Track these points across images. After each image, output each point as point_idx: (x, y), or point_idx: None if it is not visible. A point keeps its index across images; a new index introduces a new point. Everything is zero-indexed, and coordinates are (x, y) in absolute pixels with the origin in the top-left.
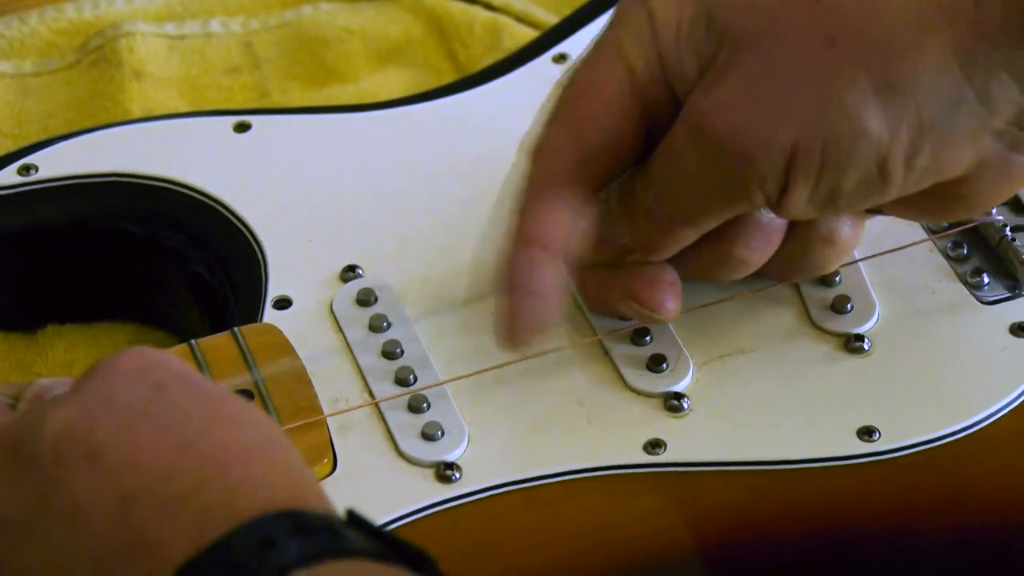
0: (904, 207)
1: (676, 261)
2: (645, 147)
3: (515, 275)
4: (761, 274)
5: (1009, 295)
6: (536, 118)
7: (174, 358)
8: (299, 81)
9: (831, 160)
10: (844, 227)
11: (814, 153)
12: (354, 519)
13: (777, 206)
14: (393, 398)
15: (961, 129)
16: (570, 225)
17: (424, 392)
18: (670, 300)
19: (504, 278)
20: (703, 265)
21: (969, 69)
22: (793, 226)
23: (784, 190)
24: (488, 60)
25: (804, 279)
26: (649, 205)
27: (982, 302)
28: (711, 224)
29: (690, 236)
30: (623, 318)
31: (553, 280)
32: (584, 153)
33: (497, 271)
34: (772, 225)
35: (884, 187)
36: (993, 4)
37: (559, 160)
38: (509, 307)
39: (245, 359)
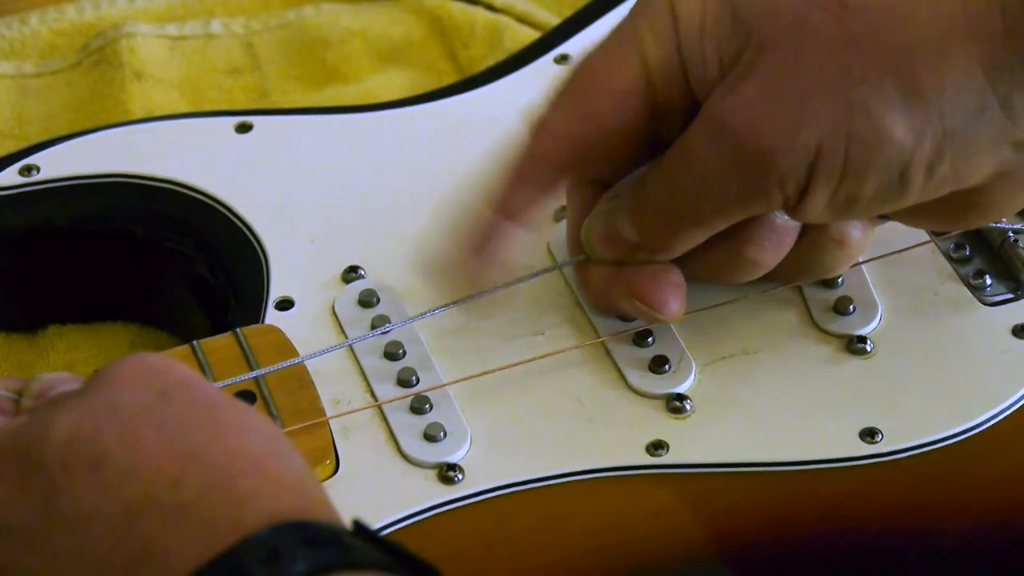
0: (918, 215)
1: (685, 262)
2: (652, 144)
3: (480, 237)
4: (767, 276)
5: (1012, 296)
6: (543, 98)
7: (179, 365)
8: (300, 82)
9: (853, 164)
10: (855, 229)
11: (837, 156)
12: (361, 530)
13: (795, 209)
14: (395, 400)
15: (983, 138)
16: (545, 207)
17: (426, 393)
18: (675, 301)
19: (469, 235)
20: (714, 266)
21: (993, 79)
22: (804, 228)
23: (804, 193)
24: (489, 61)
25: (810, 281)
26: (661, 203)
27: (984, 303)
28: (724, 225)
29: (701, 236)
30: (626, 318)
31: (509, 249)
32: (583, 140)
33: (465, 224)
34: (786, 227)
35: (903, 193)
36: (1019, 16)
37: (555, 143)
38: (464, 262)
39: (247, 360)
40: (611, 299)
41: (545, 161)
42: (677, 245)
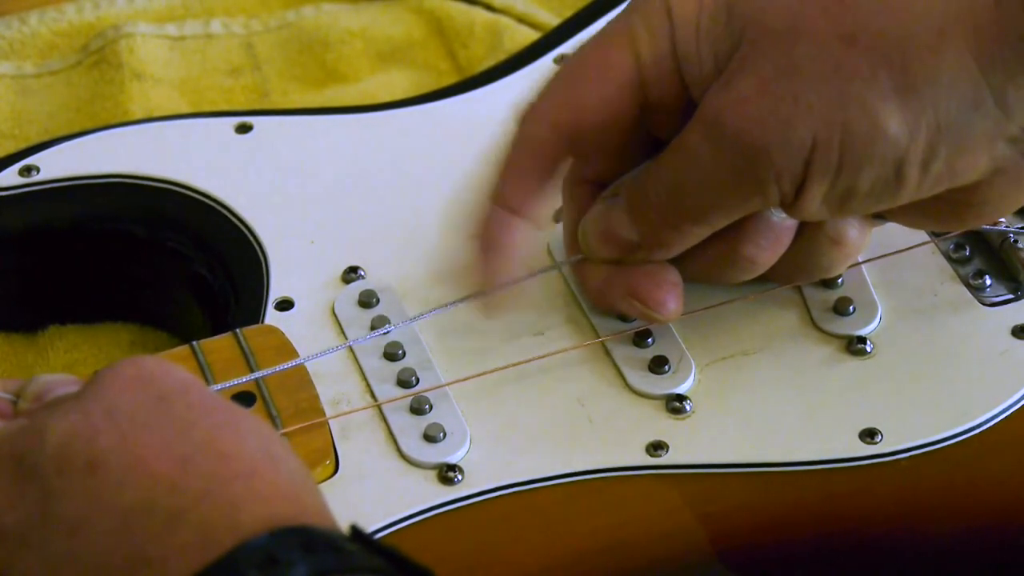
0: (916, 214)
1: (682, 261)
2: (647, 143)
3: (483, 231)
4: (765, 276)
5: (1011, 297)
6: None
7: (177, 368)
8: (300, 82)
9: (848, 159)
10: (851, 229)
11: (832, 151)
12: (358, 535)
13: (791, 205)
14: (395, 400)
15: (977, 133)
16: (543, 193)
17: (426, 394)
18: (672, 300)
19: (473, 230)
20: (711, 265)
21: (988, 72)
22: (801, 227)
23: (800, 189)
24: (489, 61)
25: (808, 281)
26: (660, 201)
27: (984, 304)
28: (722, 222)
29: (700, 234)
30: (624, 318)
31: (515, 240)
32: (570, 129)
33: (469, 221)
34: (782, 225)
35: (899, 189)
36: (1014, 8)
37: (547, 129)
38: (473, 258)
39: (247, 360)
40: (610, 299)
41: (536, 147)
42: (676, 243)
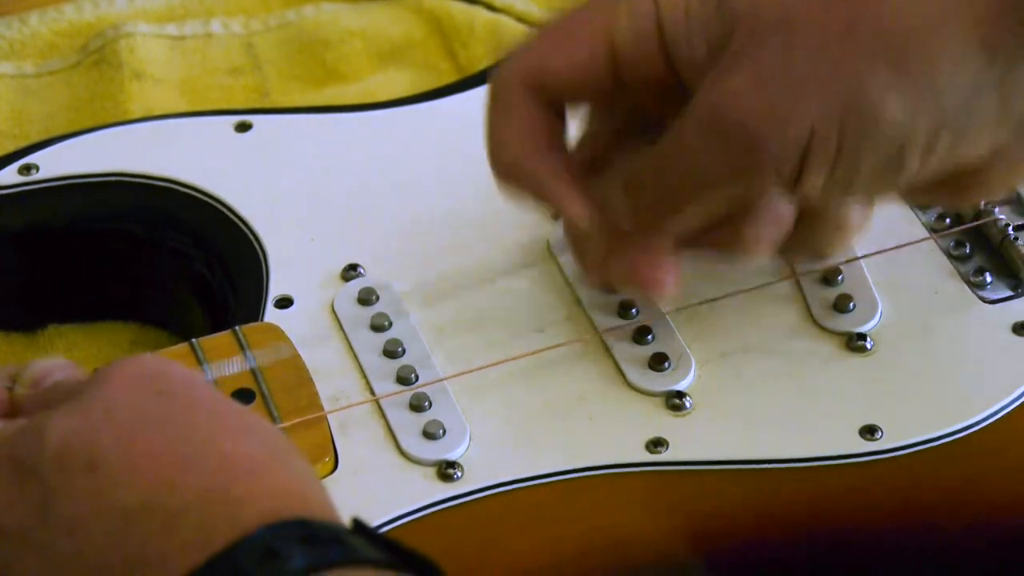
0: (913, 191)
1: (683, 242)
2: (630, 120)
3: (536, 187)
4: None
5: (1011, 294)
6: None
7: (178, 366)
8: (300, 81)
9: (847, 148)
10: (852, 209)
11: (830, 141)
12: (360, 528)
13: (792, 192)
14: (394, 395)
15: (978, 119)
16: (540, 137)
17: (425, 390)
18: (668, 279)
19: (524, 190)
20: (711, 246)
21: (989, 58)
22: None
23: (800, 177)
24: (489, 61)
25: (809, 259)
26: (657, 187)
27: (984, 301)
28: (720, 209)
29: (697, 221)
30: (624, 314)
31: (561, 169)
32: (539, 82)
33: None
34: (785, 206)
35: (899, 174)
36: None
37: (517, 83)
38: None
39: (246, 358)
40: (606, 277)
41: (513, 100)
42: (672, 226)
